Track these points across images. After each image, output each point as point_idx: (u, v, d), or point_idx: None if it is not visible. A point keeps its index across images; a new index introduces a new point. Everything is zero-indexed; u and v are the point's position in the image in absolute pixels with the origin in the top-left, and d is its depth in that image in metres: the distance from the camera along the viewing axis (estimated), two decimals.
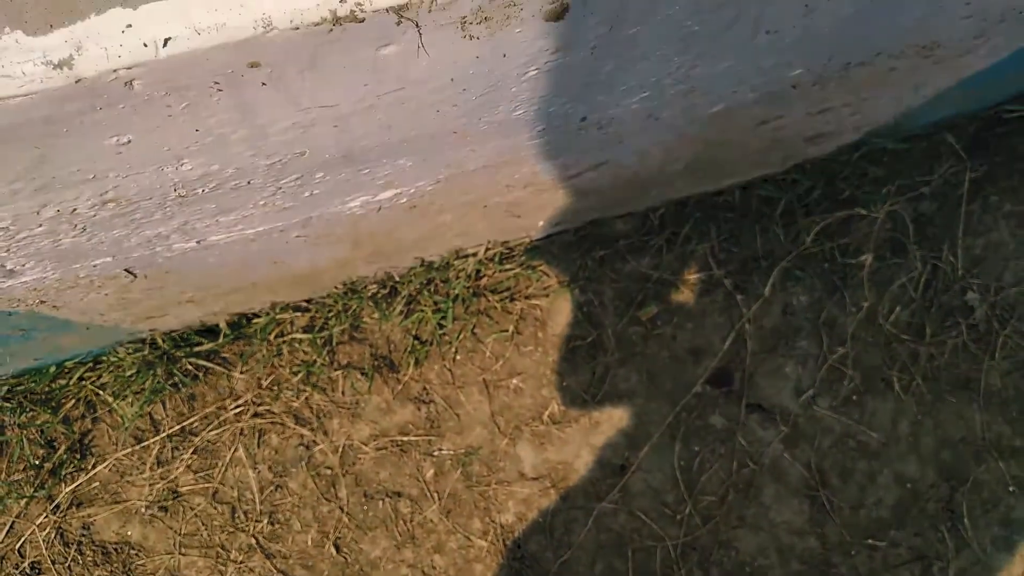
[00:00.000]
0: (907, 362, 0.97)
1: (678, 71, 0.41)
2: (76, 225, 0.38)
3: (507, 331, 0.95)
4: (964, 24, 0.49)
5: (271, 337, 0.89)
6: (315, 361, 0.90)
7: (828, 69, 0.50)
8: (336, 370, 0.92)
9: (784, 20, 0.39)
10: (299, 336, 0.89)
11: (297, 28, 0.26)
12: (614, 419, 0.96)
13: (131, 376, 0.85)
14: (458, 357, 0.95)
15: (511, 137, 0.45)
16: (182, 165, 0.35)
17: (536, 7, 0.29)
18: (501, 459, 0.93)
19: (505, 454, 0.93)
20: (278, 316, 0.87)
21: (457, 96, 0.36)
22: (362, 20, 0.26)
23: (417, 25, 0.28)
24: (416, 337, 0.94)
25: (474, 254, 0.88)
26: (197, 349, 0.85)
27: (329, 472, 0.92)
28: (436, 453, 0.92)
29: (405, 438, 0.93)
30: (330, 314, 0.90)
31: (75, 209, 0.36)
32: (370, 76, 0.31)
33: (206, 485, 0.90)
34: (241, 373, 0.91)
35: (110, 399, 0.86)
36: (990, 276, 1.01)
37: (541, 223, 0.83)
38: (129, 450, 0.90)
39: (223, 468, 0.90)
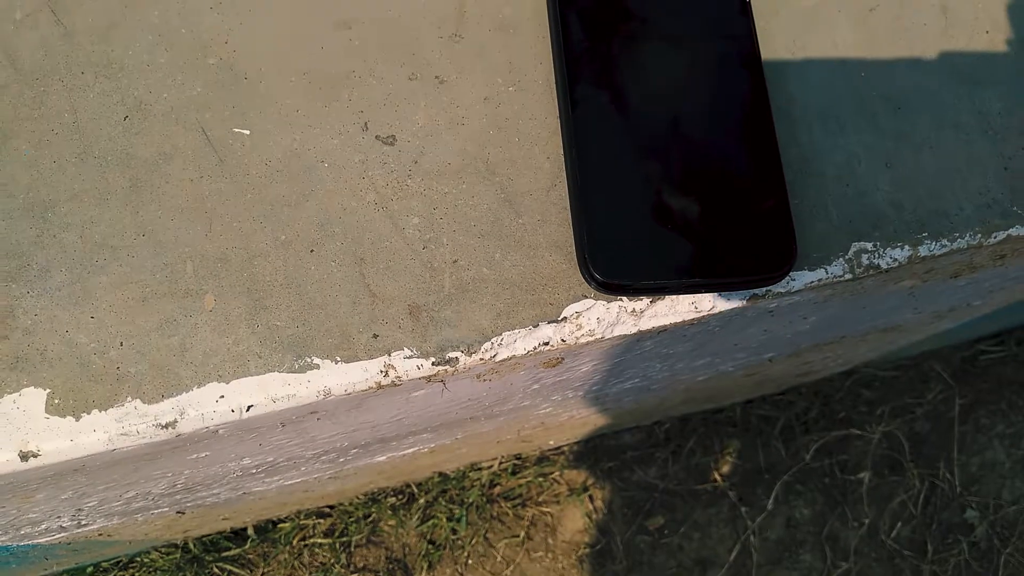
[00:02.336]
0: None
1: (660, 372, 0.49)
2: (149, 498, 0.45)
3: (518, 536, 0.99)
4: (919, 316, 0.57)
5: (294, 541, 0.94)
6: (333, 565, 0.94)
7: (799, 348, 0.58)
8: (352, 572, 0.96)
9: (748, 340, 0.47)
10: (320, 540, 0.94)
11: (349, 394, 0.33)
12: None
13: None
14: (470, 562, 0.99)
15: (521, 413, 0.52)
16: (243, 461, 0.42)
17: (536, 362, 0.37)
18: None
19: None
20: (302, 522, 0.93)
21: (473, 404, 0.44)
22: (399, 385, 0.34)
23: (443, 382, 0.35)
24: (430, 541, 0.98)
25: (489, 466, 0.94)
26: (225, 554, 0.90)
27: None
28: None
29: None
30: (350, 520, 0.95)
31: (150, 492, 0.43)
32: (402, 406, 0.39)
33: None
34: (263, 574, 0.95)
35: None
36: (988, 494, 1.04)
37: (552, 442, 0.90)
38: None
39: None
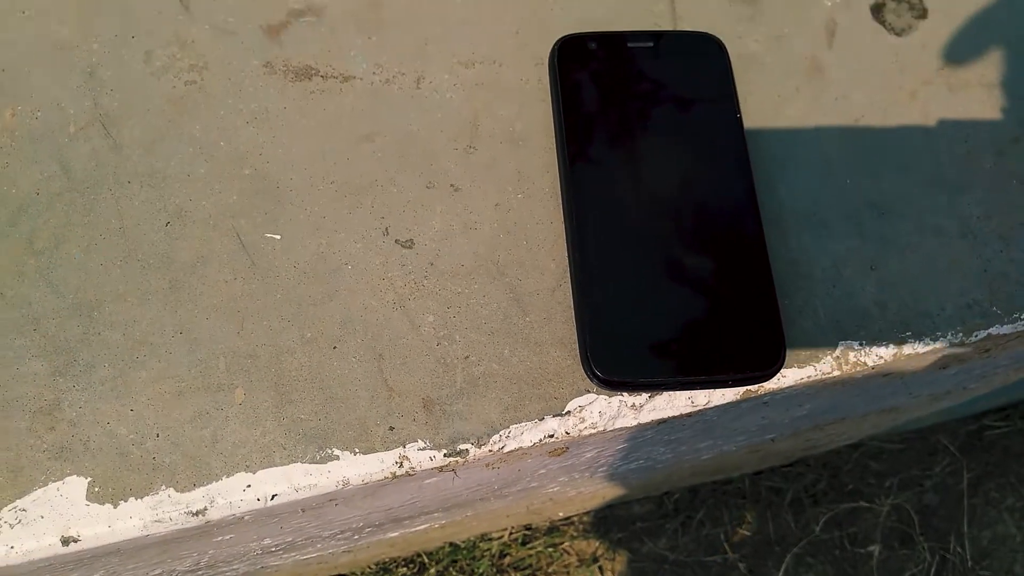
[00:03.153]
0: None
1: (664, 455, 0.51)
2: (174, 575, 0.47)
3: None
4: (916, 399, 0.59)
5: None
6: None
7: (800, 430, 0.60)
8: None
9: (748, 425, 0.49)
10: None
11: (366, 483, 0.36)
12: None
13: None
14: None
15: (530, 492, 0.54)
16: (264, 541, 0.44)
17: (542, 451, 0.39)
18: None
19: None
20: None
21: (483, 488, 0.46)
22: (413, 475, 0.36)
23: (454, 471, 0.38)
24: None
25: (499, 537, 0.95)
26: None
27: None
28: None
29: None
30: None
31: (175, 569, 0.45)
32: (416, 492, 0.41)
33: None
34: None
35: None
36: (1000, 569, 1.04)
37: (561, 513, 0.91)
38: None
39: None
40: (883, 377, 0.43)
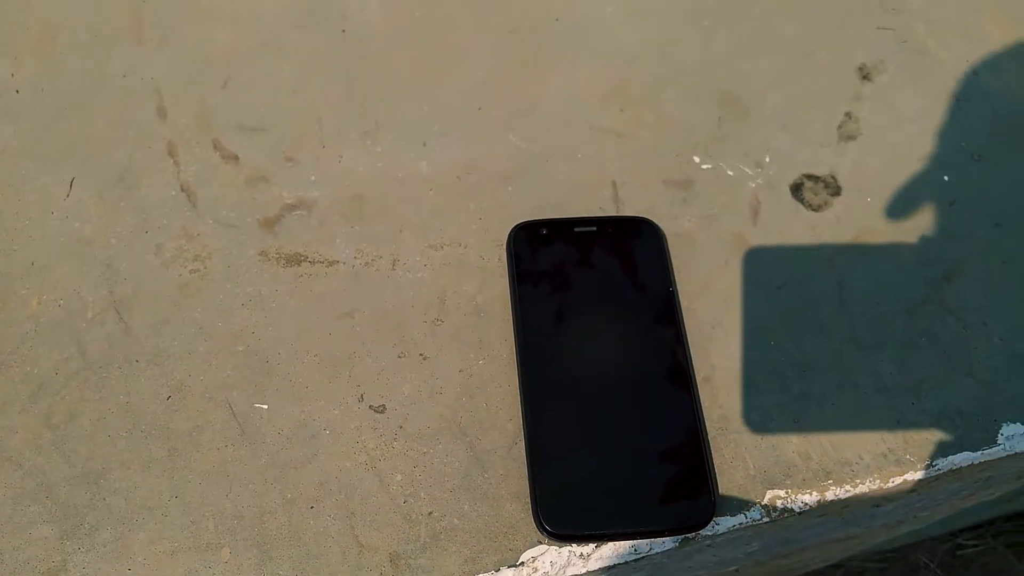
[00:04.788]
0: None
1: None
2: None
3: None
4: (869, 528, 0.63)
5: None
6: None
7: (761, 560, 0.63)
8: None
9: (702, 563, 0.52)
10: None
11: None
12: None
13: None
14: None
15: None
16: None
17: None
18: None
19: None
20: None
21: None
22: None
23: None
24: None
25: None
26: None
27: None
28: None
29: None
30: None
31: None
32: None
33: None
34: None
35: None
36: None
37: None
38: None
39: None
40: (817, 518, 0.48)
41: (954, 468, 0.45)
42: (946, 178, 0.54)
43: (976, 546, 1.03)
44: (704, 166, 0.53)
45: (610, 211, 0.51)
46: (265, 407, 0.43)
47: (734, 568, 0.63)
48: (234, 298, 0.46)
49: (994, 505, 0.94)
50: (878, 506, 0.50)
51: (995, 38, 0.60)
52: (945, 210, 0.52)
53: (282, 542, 0.40)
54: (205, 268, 0.46)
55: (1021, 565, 1.02)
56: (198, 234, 0.47)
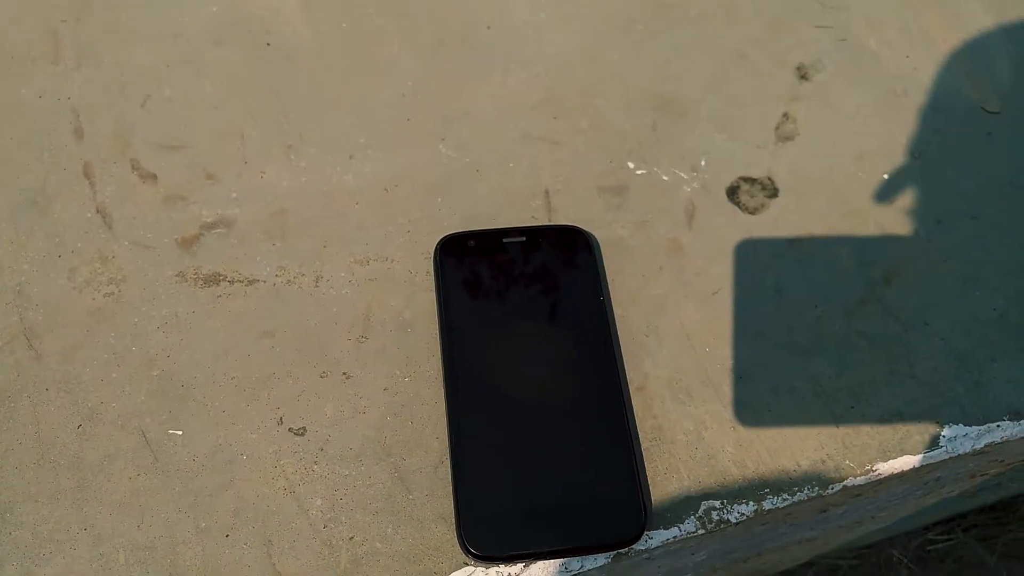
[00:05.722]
0: None
1: None
2: None
3: None
4: (825, 531, 0.61)
5: None
6: None
7: (718, 565, 0.62)
8: None
9: (651, 573, 0.51)
10: None
11: None
12: None
13: None
14: None
15: None
16: None
17: None
18: None
19: None
20: None
21: None
22: None
23: None
24: None
25: None
26: None
27: None
28: None
29: None
30: None
31: None
32: None
33: None
34: None
35: None
36: None
37: None
38: None
39: None
40: (760, 526, 0.46)
41: (896, 472, 0.44)
42: (886, 176, 0.53)
43: (949, 540, 1.02)
44: (639, 172, 0.52)
45: (543, 220, 0.49)
46: (180, 433, 0.42)
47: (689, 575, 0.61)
48: (149, 321, 0.44)
49: (964, 499, 0.93)
50: (824, 511, 0.49)
51: (936, 34, 0.59)
52: (885, 209, 0.52)
53: (195, 573, 0.38)
54: (120, 291, 0.45)
55: (994, 559, 1.01)
56: (113, 256, 0.46)
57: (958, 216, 0.51)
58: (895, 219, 0.51)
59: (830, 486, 0.43)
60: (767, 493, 0.43)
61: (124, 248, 0.46)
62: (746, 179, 0.52)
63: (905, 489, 0.51)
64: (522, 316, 0.45)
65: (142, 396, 0.42)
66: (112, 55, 0.53)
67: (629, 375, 0.45)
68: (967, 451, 0.45)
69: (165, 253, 0.46)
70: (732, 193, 0.52)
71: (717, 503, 0.42)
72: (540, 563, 0.40)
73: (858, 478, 0.43)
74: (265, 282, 0.46)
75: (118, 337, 0.44)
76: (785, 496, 0.43)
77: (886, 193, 0.52)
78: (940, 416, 0.45)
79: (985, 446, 0.45)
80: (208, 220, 0.48)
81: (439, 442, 0.42)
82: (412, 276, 0.47)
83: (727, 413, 0.44)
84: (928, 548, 1.03)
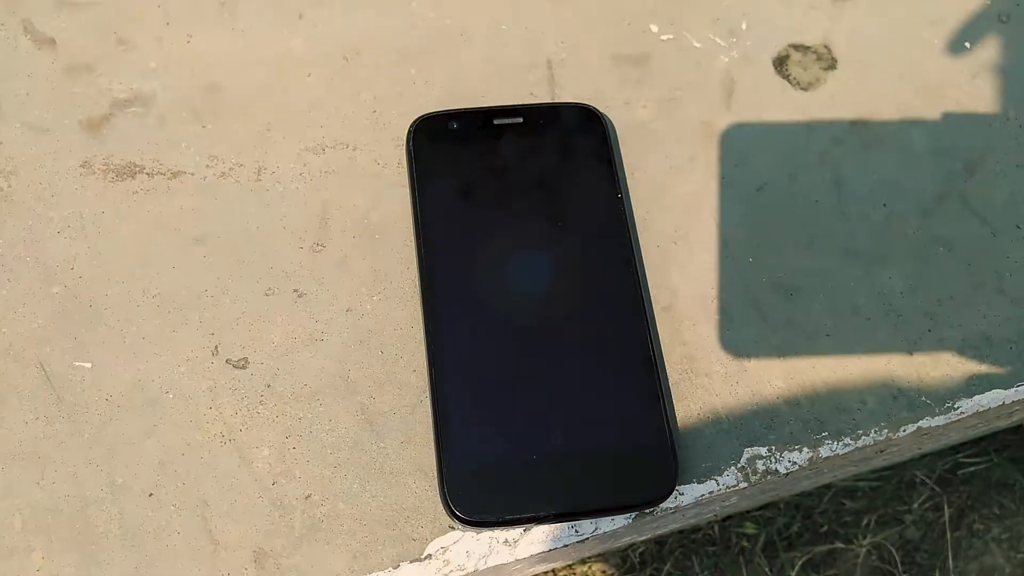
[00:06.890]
0: None
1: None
2: None
3: None
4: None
5: None
6: None
7: (740, 508, 0.55)
8: None
9: (668, 523, 0.44)
10: None
11: None
12: None
13: None
14: None
15: None
16: None
17: None
18: None
19: None
20: None
21: None
22: None
23: None
24: None
25: None
26: None
27: None
28: None
29: None
30: None
31: None
32: None
33: None
34: None
35: None
36: None
37: None
38: None
39: None
40: (809, 471, 0.39)
41: (980, 410, 0.36)
42: (967, 45, 0.42)
43: (979, 462, 0.97)
44: (664, 36, 0.41)
45: (544, 97, 0.39)
46: (88, 366, 0.33)
47: (710, 514, 0.54)
48: (48, 224, 0.35)
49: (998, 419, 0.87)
50: (882, 451, 0.41)
51: None
52: (966, 85, 0.41)
53: (111, 541, 0.31)
54: (10, 186, 0.35)
55: None
56: (1, 143, 0.36)
57: None
58: (978, 97, 0.41)
59: (902, 428, 0.35)
60: (825, 437, 0.35)
61: (15, 131, 0.36)
62: (797, 47, 0.42)
63: (975, 423, 0.43)
64: (518, 219, 0.35)
65: (39, 320, 0.33)
66: None
67: (653, 292, 0.36)
68: None
69: (66, 138, 0.36)
70: (780, 64, 0.41)
71: (763, 450, 0.34)
72: (543, 527, 0.33)
73: (936, 418, 0.35)
74: (193, 175, 0.36)
75: (7, 245, 0.34)
76: (847, 441, 0.35)
77: (968, 66, 0.42)
78: None
79: None
80: (121, 96, 0.37)
81: (417, 377, 0.34)
82: (380, 168, 0.37)
83: (775, 338, 0.36)
84: (959, 471, 0.97)
